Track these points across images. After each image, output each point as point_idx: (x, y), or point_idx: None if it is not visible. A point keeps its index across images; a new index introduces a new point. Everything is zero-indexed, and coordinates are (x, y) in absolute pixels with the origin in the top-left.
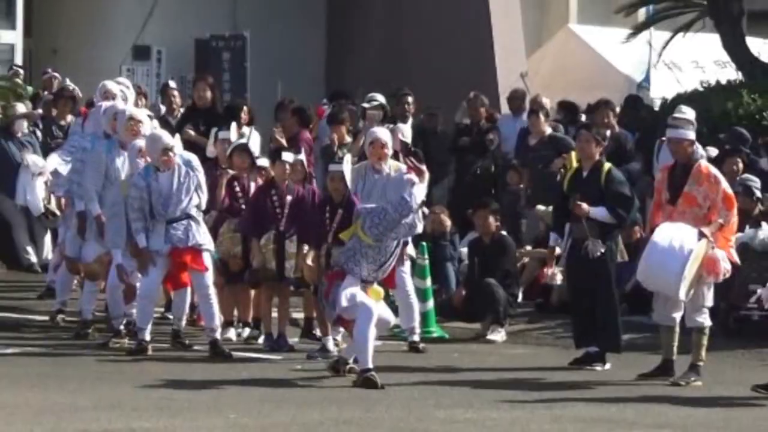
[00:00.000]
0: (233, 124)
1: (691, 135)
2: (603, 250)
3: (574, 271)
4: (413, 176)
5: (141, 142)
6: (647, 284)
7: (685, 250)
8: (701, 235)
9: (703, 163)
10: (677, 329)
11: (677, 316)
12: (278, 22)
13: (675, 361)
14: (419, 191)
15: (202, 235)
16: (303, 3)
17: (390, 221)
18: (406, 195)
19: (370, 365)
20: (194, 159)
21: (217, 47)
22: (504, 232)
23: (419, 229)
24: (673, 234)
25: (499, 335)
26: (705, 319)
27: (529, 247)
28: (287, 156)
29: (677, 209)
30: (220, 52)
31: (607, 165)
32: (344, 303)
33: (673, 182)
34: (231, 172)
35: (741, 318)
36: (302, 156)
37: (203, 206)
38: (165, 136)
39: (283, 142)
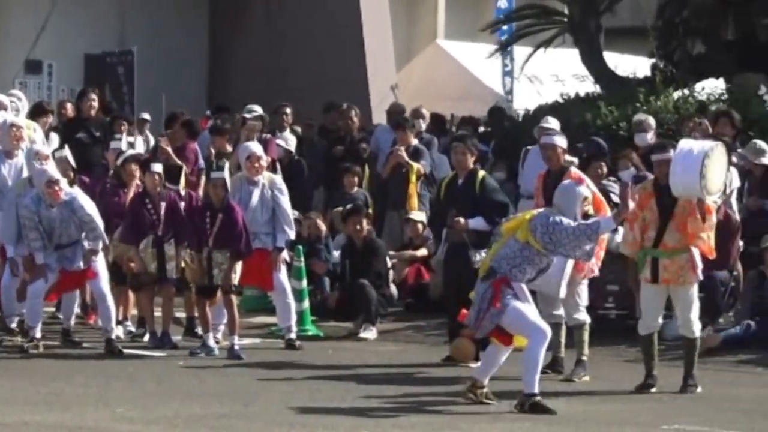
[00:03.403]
0: (123, 135)
1: (564, 143)
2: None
3: (451, 271)
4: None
5: (38, 147)
6: (530, 285)
7: None
8: None
9: (573, 170)
10: (563, 326)
11: (561, 312)
12: (163, 38)
13: (564, 357)
14: (607, 224)
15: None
16: (186, 20)
17: (565, 235)
18: (598, 222)
19: (537, 390)
20: (78, 197)
21: (112, 62)
22: (374, 236)
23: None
24: None
25: (370, 333)
26: (583, 316)
27: (392, 252)
28: (156, 167)
29: None
30: (114, 67)
31: (482, 173)
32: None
33: (546, 189)
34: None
35: (599, 317)
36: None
37: (101, 238)
38: (50, 168)
39: (170, 150)
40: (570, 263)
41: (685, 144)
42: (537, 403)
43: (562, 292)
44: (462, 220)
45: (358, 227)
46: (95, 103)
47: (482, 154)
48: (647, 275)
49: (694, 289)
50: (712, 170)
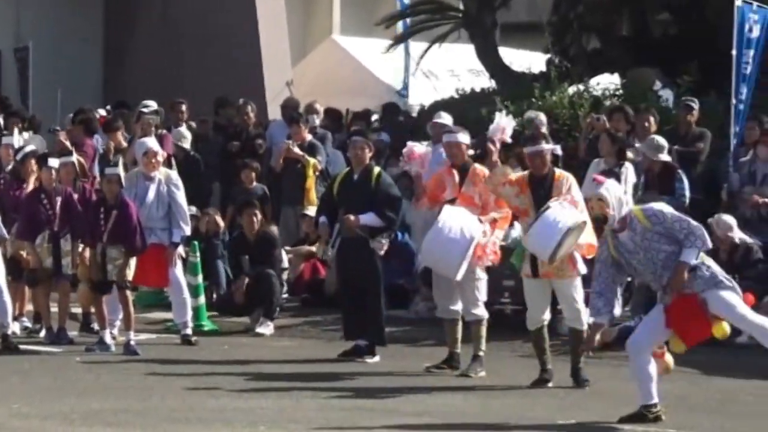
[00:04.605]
0: (15, 131)
1: (467, 139)
2: (384, 243)
3: (345, 266)
4: None
5: None
6: (428, 262)
7: (468, 234)
8: (480, 222)
9: (478, 166)
10: (460, 322)
11: (458, 308)
12: (59, 33)
13: (460, 353)
14: None
15: None
16: (82, 16)
17: None
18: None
19: (652, 401)
20: None
21: (20, 57)
22: (267, 229)
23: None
24: (458, 218)
25: (267, 329)
26: (481, 312)
27: (288, 247)
28: (53, 161)
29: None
30: (24, 62)
31: (377, 169)
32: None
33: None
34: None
35: (495, 312)
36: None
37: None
38: None
39: (68, 144)
40: (472, 247)
41: (551, 213)
42: (642, 414)
43: (460, 275)
44: (352, 217)
45: (251, 221)
46: None
47: (383, 145)
48: (527, 270)
49: (577, 282)
50: (566, 244)
